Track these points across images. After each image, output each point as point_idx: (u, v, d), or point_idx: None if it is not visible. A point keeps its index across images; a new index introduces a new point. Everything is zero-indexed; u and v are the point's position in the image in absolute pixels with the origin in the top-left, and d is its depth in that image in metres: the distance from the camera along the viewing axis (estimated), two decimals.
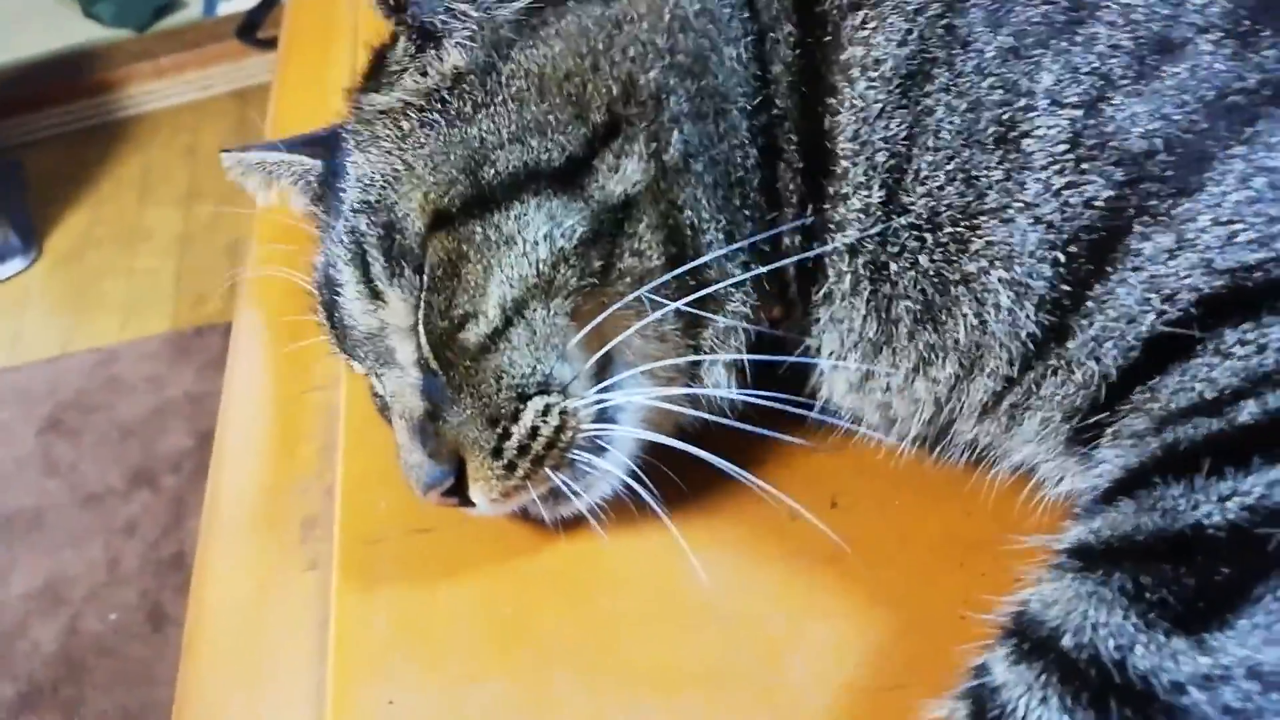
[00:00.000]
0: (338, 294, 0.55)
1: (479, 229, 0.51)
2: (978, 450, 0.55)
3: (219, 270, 2.21)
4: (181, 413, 2.04)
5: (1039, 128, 0.47)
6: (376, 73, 0.58)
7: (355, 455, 0.67)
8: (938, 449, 0.56)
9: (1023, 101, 0.47)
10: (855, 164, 0.51)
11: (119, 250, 2.41)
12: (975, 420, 0.53)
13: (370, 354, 0.56)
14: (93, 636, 1.76)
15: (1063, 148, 0.46)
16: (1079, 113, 0.46)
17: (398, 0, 0.54)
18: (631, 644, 0.55)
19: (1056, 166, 0.46)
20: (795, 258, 0.53)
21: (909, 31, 0.50)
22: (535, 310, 0.51)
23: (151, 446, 2.01)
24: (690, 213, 0.52)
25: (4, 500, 1.97)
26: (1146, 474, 0.43)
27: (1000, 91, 0.48)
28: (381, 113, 0.55)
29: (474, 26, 0.54)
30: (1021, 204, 0.47)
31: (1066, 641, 0.41)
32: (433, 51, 0.54)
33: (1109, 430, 0.47)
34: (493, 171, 0.51)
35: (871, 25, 0.50)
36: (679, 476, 0.55)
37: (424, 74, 0.55)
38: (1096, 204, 0.46)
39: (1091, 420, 0.48)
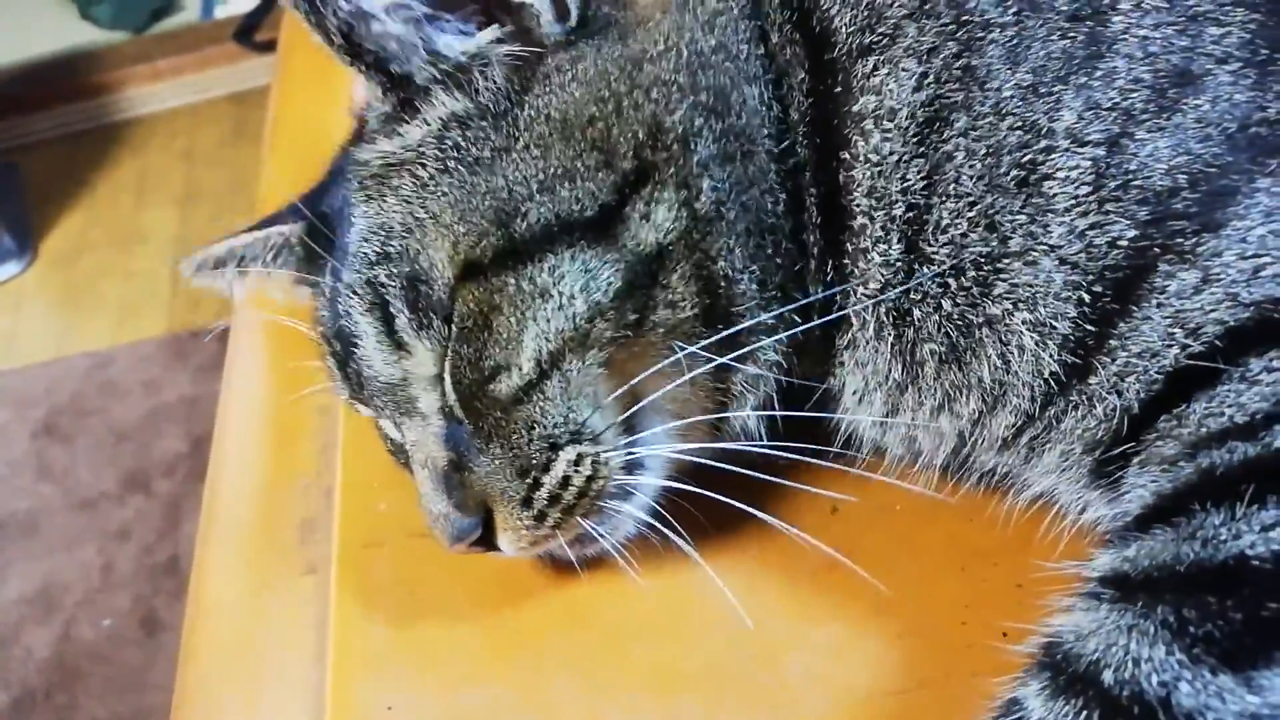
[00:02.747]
0: (354, 345, 0.53)
1: (512, 281, 0.49)
2: (996, 479, 0.54)
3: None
4: (176, 417, 2.03)
5: (1061, 169, 0.46)
6: (362, 126, 0.56)
7: (354, 457, 0.67)
8: (957, 476, 0.55)
9: (1043, 143, 0.46)
10: (873, 219, 0.50)
11: (115, 253, 2.40)
12: (995, 452, 0.53)
13: (390, 404, 0.54)
14: (86, 643, 1.75)
15: (1086, 189, 0.46)
16: (1101, 151, 0.46)
17: (350, 43, 0.50)
18: (630, 648, 0.55)
19: (1080, 209, 0.46)
20: (820, 321, 0.52)
21: (924, 75, 0.49)
22: (570, 363, 0.50)
23: (146, 451, 2.00)
24: (724, 263, 0.51)
25: None
26: (1183, 500, 0.42)
27: (1020, 133, 0.47)
28: (389, 165, 0.54)
29: (452, 74, 0.51)
30: (1046, 247, 0.47)
31: (1107, 677, 0.40)
32: (415, 97, 0.52)
33: (1135, 458, 0.46)
34: (525, 224, 0.49)
35: (884, 72, 0.49)
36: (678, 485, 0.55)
37: (415, 123, 0.53)
38: (1121, 243, 0.45)
39: (1115, 451, 0.47)
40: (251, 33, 2.52)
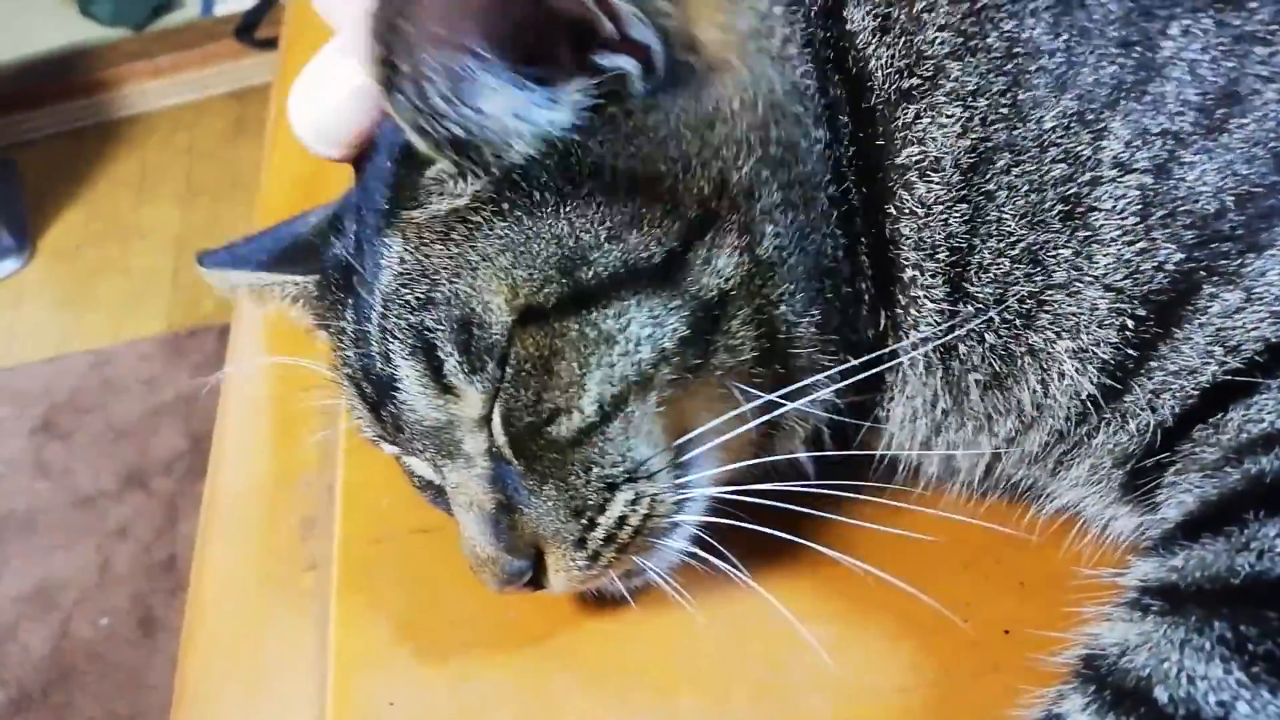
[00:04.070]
0: (394, 390, 0.51)
1: (576, 327, 0.48)
2: (1020, 491, 0.54)
3: None
4: (175, 414, 2.03)
5: (1107, 199, 0.45)
6: (411, 189, 0.51)
7: (356, 453, 0.66)
8: (982, 491, 0.55)
9: (1088, 174, 0.45)
10: (922, 270, 0.49)
11: (114, 250, 2.40)
12: (1024, 466, 0.52)
13: (431, 446, 0.52)
14: (84, 641, 1.75)
15: (1134, 219, 0.45)
16: (1149, 179, 0.45)
17: (442, 134, 0.46)
18: (632, 645, 0.55)
19: (1128, 238, 0.45)
20: (875, 370, 0.51)
21: (969, 120, 0.47)
22: (633, 405, 0.49)
23: (145, 448, 2.00)
24: (785, 307, 0.50)
25: None
26: (1232, 508, 0.41)
27: (1064, 165, 0.46)
28: (436, 218, 0.50)
29: (533, 137, 0.48)
30: (1091, 278, 0.46)
31: (1160, 694, 0.38)
32: (484, 154, 0.48)
33: (1171, 468, 0.46)
34: (591, 272, 0.47)
35: (926, 120, 0.48)
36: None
37: (478, 177, 0.49)
38: (1167, 267, 0.45)
39: (1148, 463, 0.47)
40: (252, 30, 2.53)
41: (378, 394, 0.52)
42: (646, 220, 0.48)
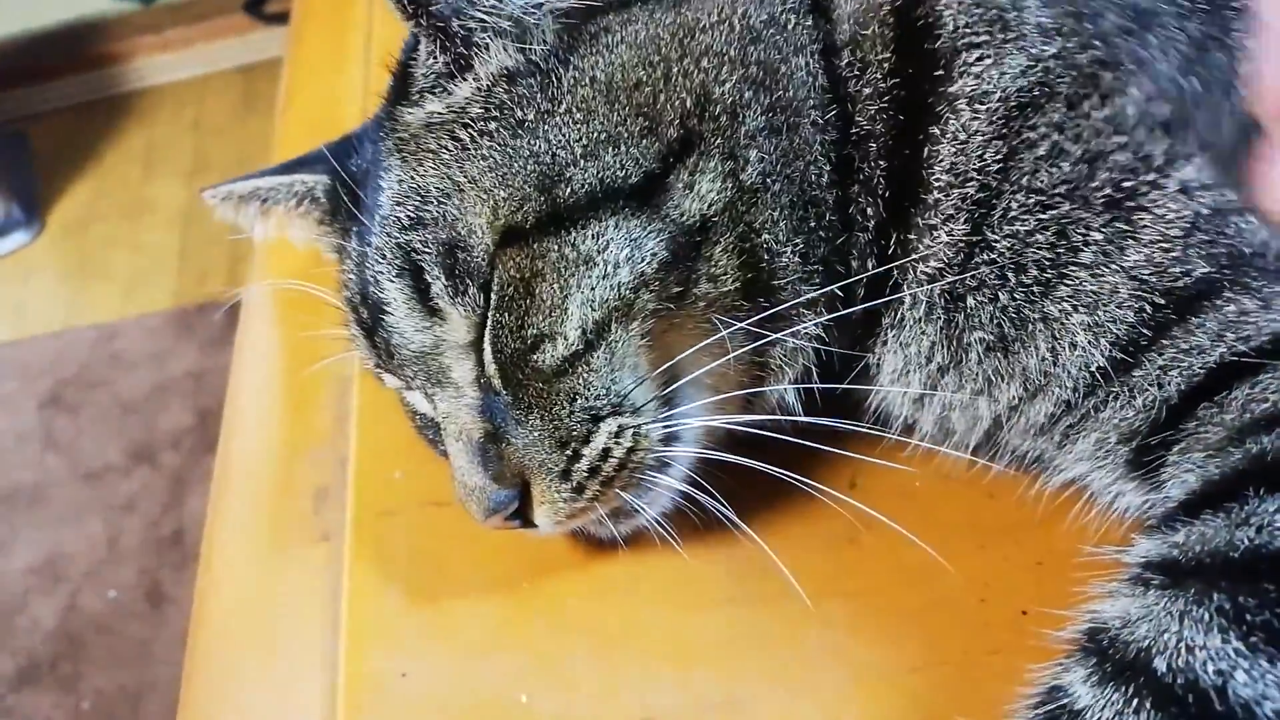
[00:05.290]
0: (384, 312, 0.52)
1: (555, 247, 0.48)
2: (1026, 462, 0.54)
3: (223, 245, 2.20)
4: (183, 389, 2.04)
5: (1158, 205, 0.46)
6: (406, 84, 0.54)
7: (369, 425, 0.66)
8: (987, 457, 0.55)
9: (1152, 176, 0.46)
10: (948, 195, 0.49)
11: (123, 224, 2.39)
12: (1030, 437, 0.52)
13: (420, 373, 0.53)
14: (92, 614, 1.76)
15: (1177, 233, 0.45)
16: (1205, 210, 0.45)
17: (415, 2, 0.49)
18: (646, 618, 0.55)
19: (1165, 245, 0.46)
20: (871, 303, 0.51)
21: (1032, 65, 0.48)
22: (615, 333, 0.49)
23: (152, 423, 2.00)
24: (767, 235, 0.50)
25: (4, 475, 1.97)
26: (1234, 486, 0.42)
27: (1129, 155, 0.46)
28: (428, 125, 0.52)
29: (509, 27, 0.50)
30: (1118, 267, 0.46)
31: (1159, 664, 0.39)
32: (471, 53, 0.51)
33: (1175, 446, 0.46)
34: (569, 189, 0.48)
35: (988, 61, 0.48)
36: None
37: (465, 79, 0.51)
38: (1194, 274, 0.45)
39: (1153, 440, 0.47)
40: (261, 4, 2.51)
41: (371, 318, 0.53)
42: (624, 139, 0.49)
